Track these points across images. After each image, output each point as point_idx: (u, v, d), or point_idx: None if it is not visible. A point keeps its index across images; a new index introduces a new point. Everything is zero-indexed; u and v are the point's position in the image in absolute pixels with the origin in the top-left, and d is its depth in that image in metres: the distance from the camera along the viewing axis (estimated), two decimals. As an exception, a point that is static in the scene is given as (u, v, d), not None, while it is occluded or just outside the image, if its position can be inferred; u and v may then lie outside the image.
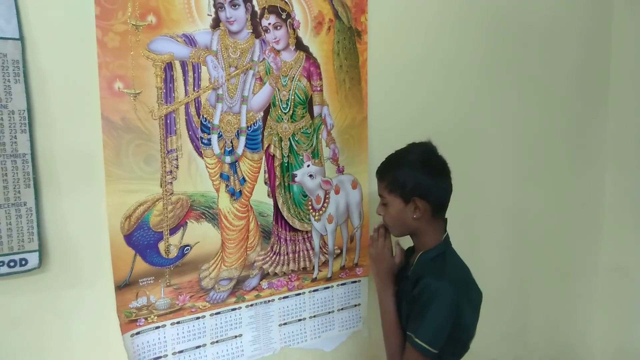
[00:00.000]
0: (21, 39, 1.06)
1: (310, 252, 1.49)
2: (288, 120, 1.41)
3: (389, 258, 1.27)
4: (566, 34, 2.06)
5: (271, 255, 1.43)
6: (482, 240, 1.92)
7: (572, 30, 2.08)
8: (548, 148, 2.08)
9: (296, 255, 1.47)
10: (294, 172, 1.43)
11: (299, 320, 1.50)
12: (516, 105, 1.94)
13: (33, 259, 1.10)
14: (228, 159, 1.33)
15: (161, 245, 1.25)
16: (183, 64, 1.24)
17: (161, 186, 1.24)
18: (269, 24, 1.35)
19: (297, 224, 1.46)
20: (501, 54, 1.86)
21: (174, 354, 1.29)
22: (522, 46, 1.92)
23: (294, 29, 1.39)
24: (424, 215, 1.19)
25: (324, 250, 1.52)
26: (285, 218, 1.44)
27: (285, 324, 1.47)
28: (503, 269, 2.02)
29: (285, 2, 1.37)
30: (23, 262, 1.09)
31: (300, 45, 1.40)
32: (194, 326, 1.32)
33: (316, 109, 1.45)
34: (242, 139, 1.35)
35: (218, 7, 1.27)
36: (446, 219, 1.27)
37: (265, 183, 1.40)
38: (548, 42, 2.01)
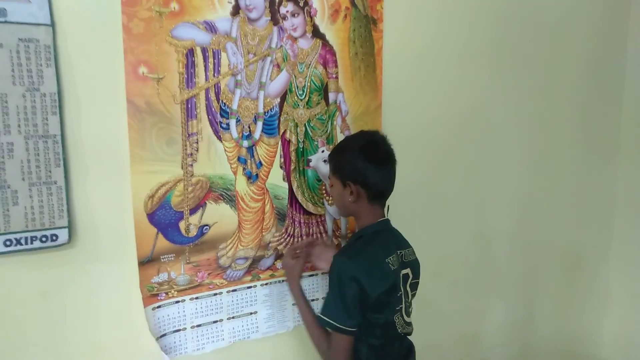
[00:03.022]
0: (52, 25, 1.11)
1: (324, 235, 1.54)
2: (304, 107, 1.45)
3: (296, 269, 1.37)
4: (581, 23, 2.07)
5: (285, 236, 1.48)
6: (493, 229, 1.96)
7: (587, 20, 2.09)
8: (560, 139, 2.10)
9: (310, 237, 1.52)
10: (309, 157, 1.48)
11: (312, 300, 1.55)
12: (528, 96, 1.96)
13: (63, 235, 1.17)
14: (245, 143, 1.38)
15: (182, 225, 1.31)
16: (204, 50, 1.28)
17: (182, 168, 1.29)
18: (287, 11, 1.39)
19: (311, 208, 1.51)
20: (514, 44, 1.88)
21: (192, 327, 1.36)
22: (535, 36, 1.94)
23: (311, 17, 1.42)
24: (359, 199, 1.23)
25: (337, 234, 1.57)
26: (300, 201, 1.49)
27: (298, 303, 1.53)
28: (513, 257, 2.05)
29: (303, -10, 1.40)
30: (54, 238, 1.16)
31: (317, 33, 1.44)
32: (211, 302, 1.38)
33: (331, 96, 1.49)
34: (260, 124, 1.39)
35: (238, -5, 1.31)
36: (388, 205, 1.31)
37: (281, 167, 1.45)
38: (562, 32, 2.01)
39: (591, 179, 2.25)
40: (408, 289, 1.25)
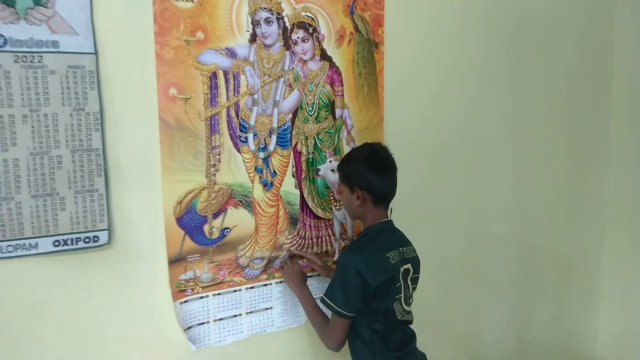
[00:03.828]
0: (96, 53, 1.29)
1: (332, 237, 1.69)
2: (313, 121, 1.61)
3: (297, 274, 1.55)
4: (569, 33, 2.21)
5: (297, 239, 1.63)
6: (488, 233, 2.10)
7: (575, 30, 2.23)
8: (552, 147, 2.24)
9: (319, 240, 1.67)
10: (318, 167, 1.64)
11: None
12: (521, 106, 2.11)
13: (103, 237, 1.32)
14: (261, 154, 1.54)
15: (206, 228, 1.47)
16: (225, 73, 1.45)
17: (206, 177, 1.45)
18: (298, 37, 1.56)
19: (320, 213, 1.66)
20: (504, 58, 2.03)
21: (214, 321, 1.51)
22: (524, 49, 2.09)
23: (319, 42, 1.59)
24: (365, 203, 1.39)
25: (344, 236, 1.72)
26: (310, 207, 1.64)
27: (309, 299, 1.67)
28: (509, 259, 2.18)
29: (312, 18, 1.57)
30: (95, 239, 1.32)
31: (324, 56, 1.61)
32: (231, 298, 1.53)
33: (338, 112, 1.65)
34: (274, 137, 1.55)
35: (255, 24, 1.48)
36: (391, 208, 1.48)
37: (293, 176, 1.60)
38: (550, 42, 2.16)
39: (583, 185, 2.39)
40: (409, 282, 1.40)
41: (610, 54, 2.37)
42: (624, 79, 2.35)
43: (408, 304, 1.41)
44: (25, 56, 1.21)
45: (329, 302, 1.34)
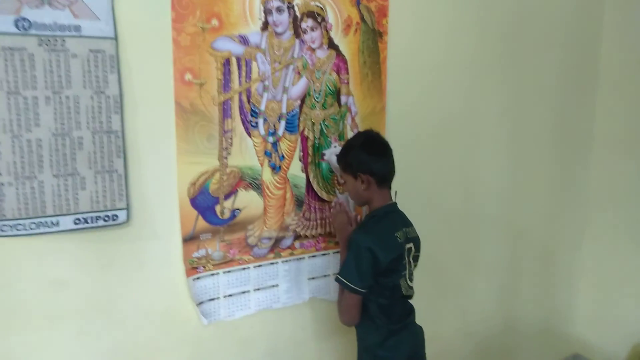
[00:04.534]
0: (116, 38, 1.33)
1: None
2: (320, 108, 1.68)
3: (348, 228, 1.58)
4: (559, 28, 2.30)
5: (303, 220, 1.71)
6: (479, 217, 2.20)
7: (564, 24, 2.32)
8: (539, 137, 2.35)
9: (323, 222, 1.75)
10: (323, 152, 1.71)
11: (325, 276, 1.78)
12: (512, 98, 2.20)
13: (122, 215, 1.38)
14: (271, 139, 1.60)
15: (217, 208, 1.53)
16: (238, 60, 1.50)
17: (219, 160, 1.51)
18: (307, 26, 1.61)
19: (324, 195, 1.74)
20: (499, 50, 2.11)
21: (224, 297, 1.58)
22: (518, 42, 2.17)
23: (327, 31, 1.65)
24: (370, 186, 1.47)
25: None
26: (315, 190, 1.72)
27: (313, 278, 1.76)
28: (497, 243, 2.29)
29: (321, 8, 1.62)
30: (115, 217, 1.37)
31: (331, 44, 1.67)
32: (240, 275, 1.61)
33: (343, 99, 1.72)
34: (283, 122, 1.62)
35: (267, 12, 1.53)
36: (396, 191, 1.55)
37: (300, 160, 1.67)
38: (541, 37, 2.24)
39: (568, 172, 2.51)
40: (411, 259, 1.50)
41: (597, 48, 2.47)
42: (610, 73, 2.46)
43: (411, 280, 1.50)
44: (49, 40, 1.25)
45: (343, 280, 1.41)
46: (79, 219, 1.33)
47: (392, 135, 1.77)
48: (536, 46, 2.24)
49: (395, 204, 1.53)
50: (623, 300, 2.48)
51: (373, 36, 1.75)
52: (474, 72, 2.06)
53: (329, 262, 1.79)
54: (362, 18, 1.71)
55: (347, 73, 1.71)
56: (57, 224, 1.31)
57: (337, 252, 1.80)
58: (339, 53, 1.68)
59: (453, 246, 2.14)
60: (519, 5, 2.14)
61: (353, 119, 1.76)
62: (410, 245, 1.49)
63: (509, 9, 2.11)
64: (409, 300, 1.55)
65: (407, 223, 1.53)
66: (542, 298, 2.53)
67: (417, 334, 1.54)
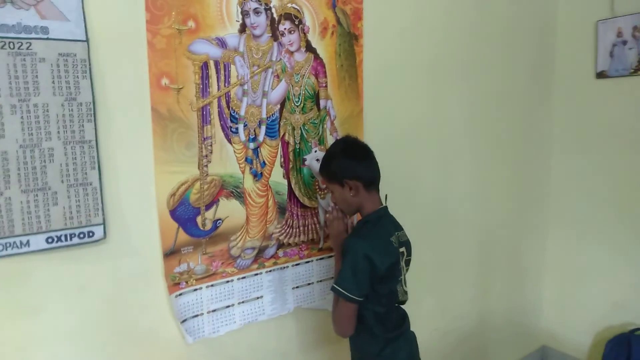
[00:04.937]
0: (87, 40, 1.23)
1: (317, 225, 1.74)
2: (299, 112, 1.64)
3: (344, 235, 1.52)
4: (517, 34, 2.40)
5: (286, 228, 1.66)
6: (453, 217, 2.23)
7: (524, 33, 2.42)
8: (504, 137, 2.42)
9: (306, 228, 1.71)
10: (304, 157, 1.67)
11: (309, 284, 1.74)
12: (474, 104, 2.24)
13: (99, 231, 1.28)
14: (252, 145, 1.54)
15: (199, 219, 1.46)
16: (216, 64, 1.44)
17: (199, 168, 1.44)
18: (285, 28, 1.57)
19: (306, 202, 1.70)
20: (468, 59, 2.16)
21: (208, 312, 1.51)
22: (480, 54, 2.23)
23: (304, 33, 1.62)
24: (359, 191, 1.44)
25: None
26: (297, 196, 1.67)
27: (297, 287, 1.71)
28: (470, 242, 2.34)
29: (298, 10, 1.59)
30: (91, 234, 1.27)
31: (309, 47, 1.64)
32: (224, 289, 1.54)
33: (322, 103, 1.69)
34: (263, 127, 1.56)
35: (244, 14, 1.48)
36: (386, 195, 1.53)
37: (281, 166, 1.62)
38: (501, 49, 2.32)
39: (531, 172, 2.60)
40: (403, 264, 1.48)
41: (551, 63, 2.60)
42: (563, 85, 2.59)
43: (405, 285, 1.49)
44: (13, 42, 1.14)
45: (340, 289, 1.35)
46: (51, 238, 1.22)
47: (371, 138, 1.76)
48: (498, 54, 2.31)
49: (386, 207, 1.51)
50: (584, 292, 2.60)
51: (349, 39, 1.73)
52: (441, 77, 2.09)
53: (313, 269, 1.75)
54: (338, 21, 1.69)
55: (325, 76, 1.69)
56: (28, 244, 1.19)
57: (321, 259, 1.76)
58: (316, 56, 1.66)
59: (428, 247, 2.16)
60: (481, 15, 2.21)
61: (332, 123, 1.73)
62: (403, 249, 1.47)
63: (476, 12, 2.17)
64: (402, 306, 1.53)
65: (398, 227, 1.51)
66: (511, 294, 2.60)
67: (412, 341, 1.52)
